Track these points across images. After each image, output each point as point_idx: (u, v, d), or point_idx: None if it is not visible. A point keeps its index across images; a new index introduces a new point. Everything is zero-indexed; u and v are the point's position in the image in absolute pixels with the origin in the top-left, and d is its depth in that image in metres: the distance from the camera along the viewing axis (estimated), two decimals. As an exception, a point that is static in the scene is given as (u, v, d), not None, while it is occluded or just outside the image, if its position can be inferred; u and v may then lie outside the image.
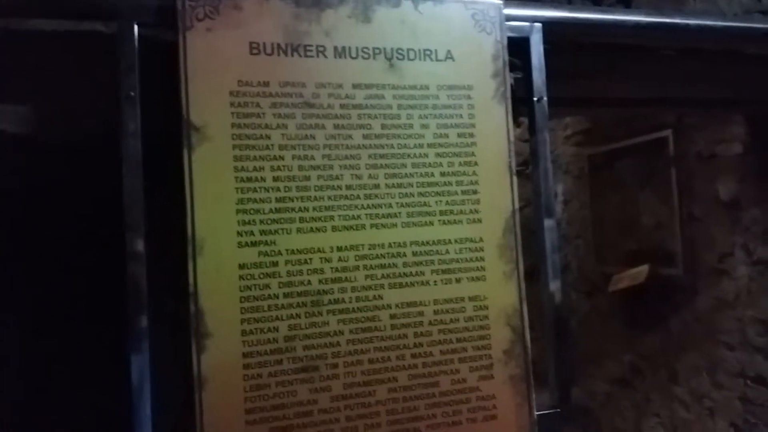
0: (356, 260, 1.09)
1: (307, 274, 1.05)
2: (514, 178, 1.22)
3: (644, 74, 1.60)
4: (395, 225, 1.12)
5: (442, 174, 1.16)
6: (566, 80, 1.33)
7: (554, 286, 1.26)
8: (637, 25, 1.39)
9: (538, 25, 1.28)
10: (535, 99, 1.28)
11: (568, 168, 3.53)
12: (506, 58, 1.22)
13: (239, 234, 1.01)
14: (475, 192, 1.18)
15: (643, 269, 2.79)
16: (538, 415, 1.20)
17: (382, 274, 1.10)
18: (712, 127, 2.52)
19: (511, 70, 1.24)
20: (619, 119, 3.02)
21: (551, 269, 1.26)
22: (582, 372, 3.40)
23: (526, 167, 1.37)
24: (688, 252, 2.66)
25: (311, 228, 1.06)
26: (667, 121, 2.72)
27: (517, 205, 1.22)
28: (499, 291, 1.17)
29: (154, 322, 0.98)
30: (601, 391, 3.28)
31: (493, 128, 1.21)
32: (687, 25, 1.43)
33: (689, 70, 1.62)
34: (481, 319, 1.16)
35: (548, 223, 1.28)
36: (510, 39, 1.23)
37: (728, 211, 2.46)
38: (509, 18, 1.24)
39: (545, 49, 1.28)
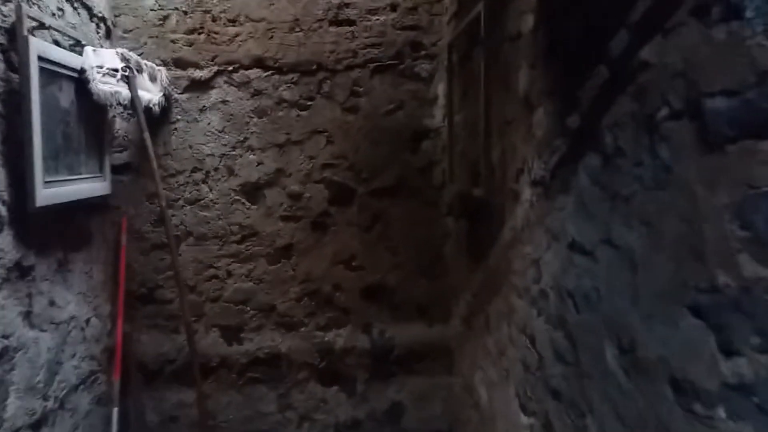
0: None
1: None
2: None
3: None
4: None
5: None
6: None
7: None
8: None
9: None
10: None
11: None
12: None
13: None
14: None
15: (453, 190, 2.18)
16: None
17: None
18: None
19: None
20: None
21: None
22: (450, 307, 2.89)
23: None
24: (497, 166, 2.02)
25: None
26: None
27: None
28: None
29: None
30: (457, 330, 2.78)
31: None
32: None
33: None
34: None
35: None
36: None
37: (525, 109, 1.79)
38: None
39: None
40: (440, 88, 2.81)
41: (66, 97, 2.22)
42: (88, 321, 2.51)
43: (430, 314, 2.92)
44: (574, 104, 1.44)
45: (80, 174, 2.33)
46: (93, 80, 2.30)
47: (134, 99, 2.55)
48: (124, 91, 2.51)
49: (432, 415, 2.90)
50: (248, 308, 2.92)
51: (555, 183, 1.56)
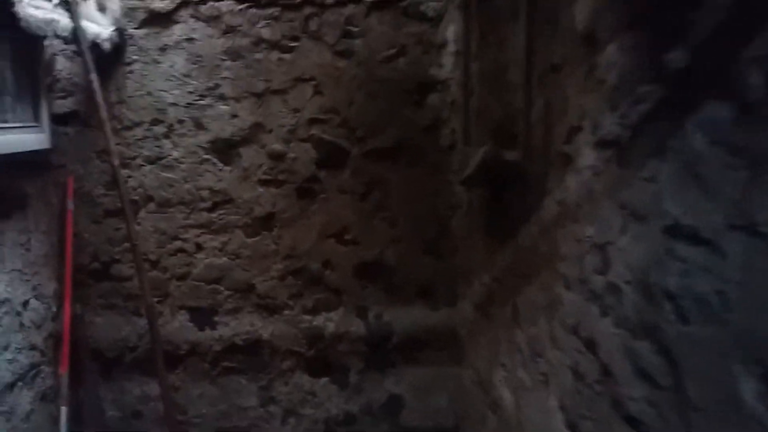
0: None
1: None
2: None
3: None
4: None
5: None
6: None
7: None
8: None
9: None
10: None
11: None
12: None
13: None
14: None
15: (479, 153, 1.76)
16: None
17: None
18: None
19: None
20: None
21: None
22: (458, 288, 2.51)
23: None
24: (537, 124, 1.60)
25: None
26: None
27: None
28: None
29: None
30: (468, 316, 2.40)
31: None
32: None
33: None
34: None
35: None
36: None
37: (586, 48, 1.37)
38: None
39: None
40: (450, 31, 2.35)
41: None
42: (25, 304, 2.06)
43: (435, 296, 2.54)
44: (680, 34, 1.02)
45: (5, 122, 1.84)
46: (19, 1, 1.79)
47: (77, 30, 2.04)
48: (64, 20, 2.01)
49: (436, 410, 2.55)
50: (222, 288, 2.49)
51: (639, 143, 1.14)
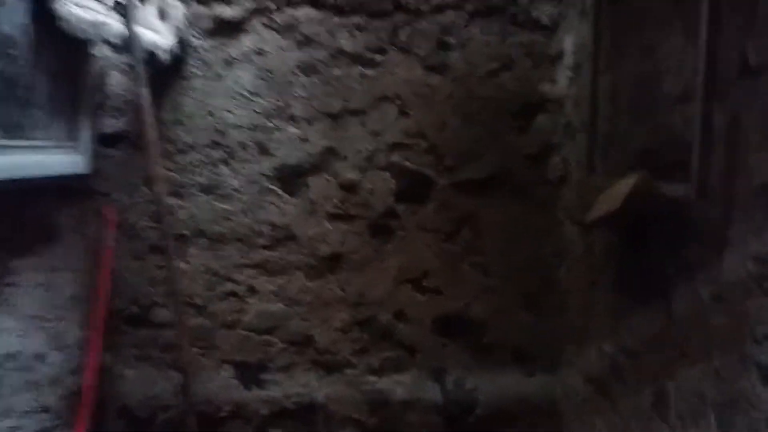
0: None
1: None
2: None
3: None
4: None
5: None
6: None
7: None
8: None
9: None
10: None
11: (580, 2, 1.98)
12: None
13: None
14: None
15: (625, 185, 1.34)
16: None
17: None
18: None
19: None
20: None
21: None
22: (564, 353, 2.06)
23: None
24: (716, 150, 1.18)
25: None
26: None
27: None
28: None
29: None
30: (576, 390, 1.94)
31: None
32: None
33: None
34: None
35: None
36: None
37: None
38: None
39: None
40: (568, 41, 1.97)
41: (11, 16, 1.43)
42: (43, 357, 1.73)
43: (532, 360, 2.09)
44: None
45: (34, 139, 1.55)
46: (61, -2, 1.51)
47: (131, 37, 1.77)
48: (116, 25, 1.74)
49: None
50: (275, 339, 2.12)
51: None
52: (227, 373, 2.14)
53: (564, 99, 1.99)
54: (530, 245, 2.06)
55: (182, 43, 2.02)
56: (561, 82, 2.00)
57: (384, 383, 2.13)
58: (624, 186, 1.34)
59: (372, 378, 2.13)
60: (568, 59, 1.95)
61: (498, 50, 2.01)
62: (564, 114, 1.99)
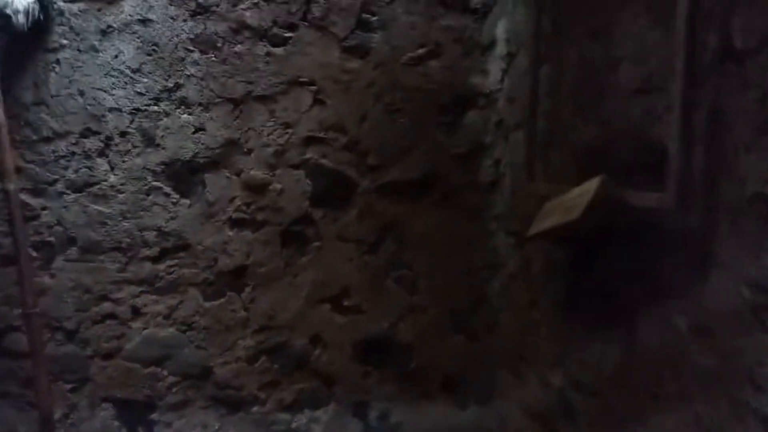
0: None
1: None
2: None
3: None
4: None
5: None
6: None
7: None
8: None
9: None
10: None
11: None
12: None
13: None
14: None
15: (584, 192, 1.10)
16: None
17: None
18: None
19: None
20: None
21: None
22: (498, 381, 1.82)
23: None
24: (696, 152, 0.96)
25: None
26: None
27: None
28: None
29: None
30: (515, 425, 1.69)
31: None
32: None
33: None
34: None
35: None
36: None
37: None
38: None
39: None
40: (501, 28, 1.74)
41: None
42: None
43: (463, 389, 1.84)
44: None
45: None
46: None
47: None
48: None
49: None
50: (165, 372, 1.77)
51: None
52: (106, 413, 1.78)
53: (496, 93, 1.77)
54: (460, 258, 1.82)
55: (44, 4, 1.63)
56: (493, 75, 1.78)
57: (298, 421, 1.85)
58: (583, 194, 1.10)
59: (284, 416, 1.85)
60: (501, 48, 1.73)
61: (424, 34, 1.76)
62: (496, 111, 1.77)
